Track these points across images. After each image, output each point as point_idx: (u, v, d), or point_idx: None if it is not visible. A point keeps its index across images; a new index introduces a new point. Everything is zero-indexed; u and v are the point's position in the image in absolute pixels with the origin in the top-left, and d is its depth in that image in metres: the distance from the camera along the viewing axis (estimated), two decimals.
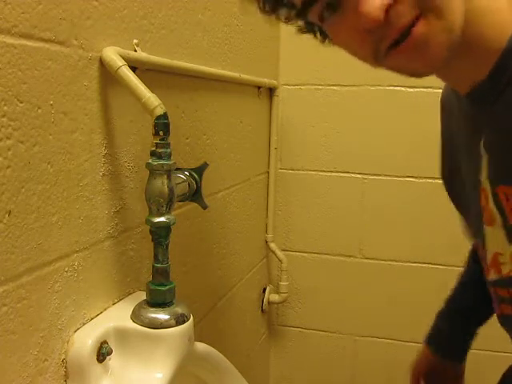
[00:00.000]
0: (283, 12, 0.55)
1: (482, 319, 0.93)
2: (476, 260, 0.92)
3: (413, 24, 0.48)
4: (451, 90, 0.66)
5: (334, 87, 1.55)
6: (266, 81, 1.41)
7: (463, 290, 0.96)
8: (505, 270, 0.59)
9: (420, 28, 0.48)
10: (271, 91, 1.52)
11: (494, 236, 0.59)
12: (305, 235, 1.65)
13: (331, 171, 1.59)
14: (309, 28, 0.60)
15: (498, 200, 0.56)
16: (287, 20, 0.56)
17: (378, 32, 0.49)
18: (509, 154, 0.55)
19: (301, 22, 0.58)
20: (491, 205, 0.58)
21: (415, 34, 0.49)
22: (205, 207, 0.86)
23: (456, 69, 0.57)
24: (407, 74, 0.55)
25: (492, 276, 0.61)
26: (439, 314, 0.97)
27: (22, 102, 0.56)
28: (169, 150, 0.69)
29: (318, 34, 0.62)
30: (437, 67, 0.53)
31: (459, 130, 0.66)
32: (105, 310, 0.74)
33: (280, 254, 1.62)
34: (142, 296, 0.74)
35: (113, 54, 0.68)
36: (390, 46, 0.50)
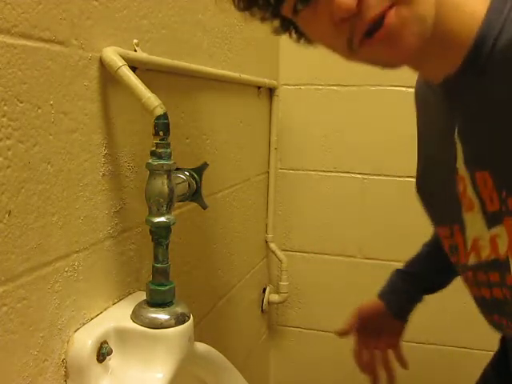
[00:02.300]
0: (257, 9, 0.56)
1: (433, 288, 1.00)
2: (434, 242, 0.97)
3: (385, 14, 0.49)
4: (424, 81, 0.67)
5: (334, 87, 1.55)
6: (266, 81, 1.41)
7: (425, 256, 1.02)
8: (484, 254, 0.60)
9: (392, 18, 0.49)
10: (271, 91, 1.52)
11: (474, 222, 0.60)
12: (305, 235, 1.65)
13: (331, 171, 1.59)
14: (284, 27, 0.60)
15: (476, 186, 0.58)
16: (263, 19, 0.58)
17: (351, 22, 0.50)
18: (482, 140, 0.56)
19: (275, 21, 0.59)
20: (469, 191, 0.59)
21: (387, 24, 0.50)
22: (205, 207, 0.86)
23: (429, 59, 0.58)
24: (381, 65, 0.56)
25: (472, 260, 0.63)
26: (398, 273, 1.03)
27: (22, 102, 0.56)
28: (169, 150, 0.69)
29: (293, 33, 0.62)
30: (410, 57, 0.53)
31: (433, 120, 0.68)
32: (105, 309, 0.74)
33: (280, 254, 1.62)
34: (142, 296, 0.74)
35: (113, 54, 0.68)
36: (363, 37, 0.51)
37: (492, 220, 0.57)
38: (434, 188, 0.71)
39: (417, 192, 0.79)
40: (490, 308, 0.64)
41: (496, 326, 0.65)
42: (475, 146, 0.58)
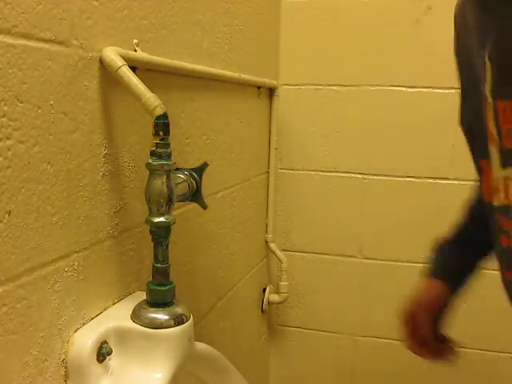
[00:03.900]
0: None
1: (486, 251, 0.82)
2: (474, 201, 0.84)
3: None
4: None
5: (334, 87, 1.55)
6: (266, 81, 1.41)
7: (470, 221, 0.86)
8: (500, 198, 0.55)
9: None
10: (271, 91, 1.52)
11: (495, 158, 0.55)
12: (305, 235, 1.65)
13: (331, 171, 1.59)
14: None
15: (497, 116, 0.52)
16: None
17: None
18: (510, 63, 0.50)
19: None
20: (491, 122, 0.54)
21: None
22: (205, 207, 0.86)
23: None
24: None
25: (495, 202, 0.57)
26: (446, 246, 0.87)
27: (22, 102, 0.56)
28: (169, 150, 0.69)
29: None
30: None
31: (471, 41, 0.60)
32: (105, 309, 0.74)
33: (280, 254, 1.62)
34: (142, 296, 0.74)
35: (113, 54, 0.68)
36: None
37: (506, 159, 0.52)
38: (472, 117, 0.64)
39: (460, 124, 0.69)
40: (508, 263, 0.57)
41: None
42: (502, 68, 0.51)
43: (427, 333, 0.83)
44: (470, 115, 0.66)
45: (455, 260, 0.85)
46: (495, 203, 0.57)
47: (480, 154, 0.63)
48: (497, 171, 0.55)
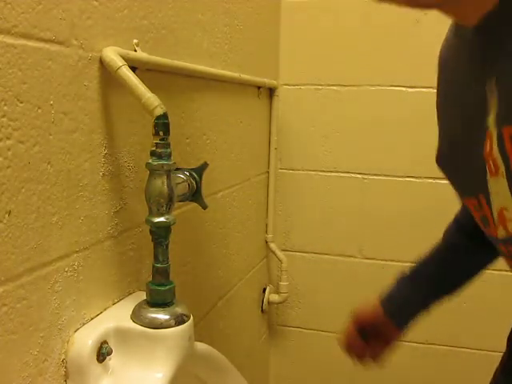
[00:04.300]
0: None
1: (444, 293, 0.92)
2: (459, 228, 0.90)
3: None
4: (455, 30, 0.61)
5: (334, 87, 1.55)
6: (265, 81, 1.41)
7: (436, 259, 0.93)
8: (510, 227, 0.54)
9: None
10: (271, 91, 1.52)
11: (498, 188, 0.54)
12: (305, 235, 1.65)
13: (331, 171, 1.59)
14: None
15: (503, 143, 0.51)
16: None
17: None
18: None
19: None
20: (495, 151, 0.53)
21: None
22: (205, 207, 0.86)
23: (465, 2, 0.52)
24: (412, 4, 0.50)
25: (501, 233, 0.57)
26: (404, 279, 0.95)
27: (22, 102, 0.56)
28: (169, 150, 0.69)
29: None
30: None
31: (464, 75, 0.60)
32: (105, 309, 0.74)
33: (280, 254, 1.62)
34: (142, 296, 0.74)
35: (113, 54, 0.68)
36: None
37: None
38: (460, 154, 0.64)
39: (438, 163, 0.71)
40: None
41: None
42: (507, 97, 0.51)
43: (354, 346, 0.97)
44: (447, 155, 0.67)
45: (404, 297, 0.94)
46: (499, 236, 0.58)
47: (463, 193, 0.65)
48: (503, 201, 0.54)
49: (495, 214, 0.57)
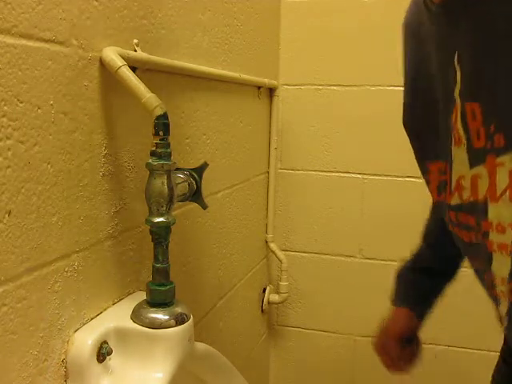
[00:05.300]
0: None
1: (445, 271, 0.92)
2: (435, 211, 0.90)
3: None
4: (420, 7, 0.62)
5: (334, 87, 1.55)
6: (265, 81, 1.41)
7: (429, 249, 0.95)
8: (465, 195, 0.58)
9: None
10: (271, 91, 1.52)
11: (460, 158, 0.58)
12: (305, 235, 1.65)
13: (331, 171, 1.59)
14: None
15: (465, 118, 0.55)
16: None
17: None
18: (479, 66, 0.52)
19: None
20: (459, 123, 0.56)
21: None
22: (205, 207, 0.86)
23: None
24: None
25: (455, 200, 0.60)
26: (409, 275, 0.95)
27: (22, 102, 0.56)
28: (169, 150, 0.69)
29: None
30: None
31: (430, 50, 0.63)
32: (105, 310, 0.74)
33: (280, 254, 1.62)
34: (142, 296, 0.74)
35: (113, 54, 0.68)
36: None
37: (475, 158, 0.54)
38: (422, 120, 0.68)
39: (406, 124, 0.74)
40: (473, 257, 0.61)
41: (488, 289, 0.61)
42: (472, 72, 0.53)
43: (397, 357, 0.94)
44: (419, 118, 0.70)
45: (415, 286, 0.94)
46: (452, 202, 0.61)
47: (429, 157, 0.68)
48: (461, 171, 0.58)
49: (454, 181, 0.60)
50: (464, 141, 0.56)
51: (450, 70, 0.56)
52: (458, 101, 0.56)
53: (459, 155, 0.58)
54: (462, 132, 0.56)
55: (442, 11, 0.57)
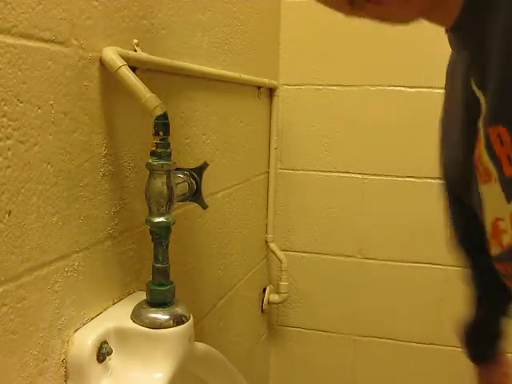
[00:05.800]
0: None
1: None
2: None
3: None
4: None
5: (334, 87, 1.55)
6: (265, 81, 1.41)
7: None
8: (505, 241, 0.48)
9: None
10: (271, 91, 1.52)
11: (492, 195, 0.49)
12: (305, 235, 1.65)
13: (331, 171, 1.59)
14: None
15: (491, 145, 0.46)
16: None
17: None
18: (495, 86, 0.46)
19: None
20: (484, 156, 0.48)
21: None
22: (205, 207, 0.86)
23: (441, 7, 0.50)
24: (392, 21, 0.49)
25: (495, 250, 0.51)
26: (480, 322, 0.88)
27: (22, 102, 0.56)
28: (169, 150, 0.69)
29: None
30: (423, 8, 0.47)
31: (458, 83, 0.58)
32: (105, 310, 0.74)
33: (280, 253, 1.62)
34: (142, 296, 0.74)
35: (113, 54, 0.68)
36: None
37: (511, 190, 0.45)
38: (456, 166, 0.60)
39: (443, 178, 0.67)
40: None
41: None
42: (492, 93, 0.47)
43: None
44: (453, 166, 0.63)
45: (490, 339, 0.87)
46: (493, 253, 0.52)
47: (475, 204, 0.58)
48: (496, 211, 0.49)
49: (489, 227, 0.51)
50: (494, 174, 0.47)
51: (473, 100, 0.51)
52: (482, 130, 0.49)
53: (491, 193, 0.49)
54: (490, 164, 0.47)
55: (452, 37, 0.54)
